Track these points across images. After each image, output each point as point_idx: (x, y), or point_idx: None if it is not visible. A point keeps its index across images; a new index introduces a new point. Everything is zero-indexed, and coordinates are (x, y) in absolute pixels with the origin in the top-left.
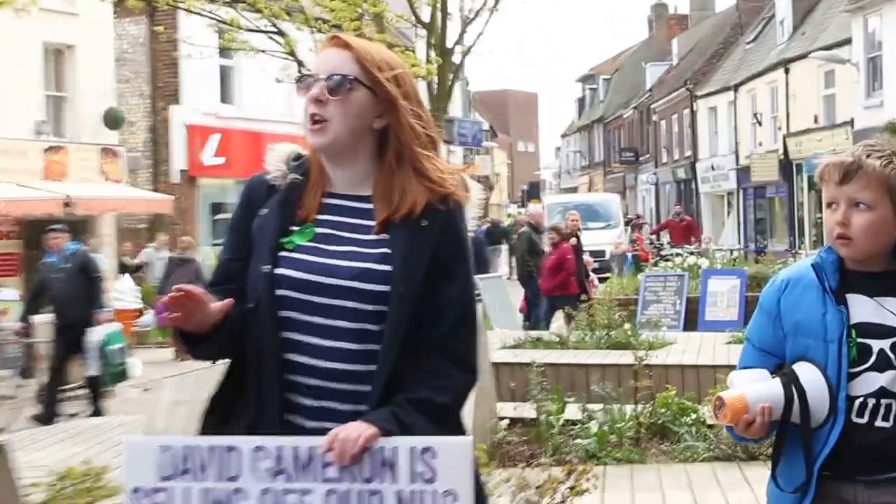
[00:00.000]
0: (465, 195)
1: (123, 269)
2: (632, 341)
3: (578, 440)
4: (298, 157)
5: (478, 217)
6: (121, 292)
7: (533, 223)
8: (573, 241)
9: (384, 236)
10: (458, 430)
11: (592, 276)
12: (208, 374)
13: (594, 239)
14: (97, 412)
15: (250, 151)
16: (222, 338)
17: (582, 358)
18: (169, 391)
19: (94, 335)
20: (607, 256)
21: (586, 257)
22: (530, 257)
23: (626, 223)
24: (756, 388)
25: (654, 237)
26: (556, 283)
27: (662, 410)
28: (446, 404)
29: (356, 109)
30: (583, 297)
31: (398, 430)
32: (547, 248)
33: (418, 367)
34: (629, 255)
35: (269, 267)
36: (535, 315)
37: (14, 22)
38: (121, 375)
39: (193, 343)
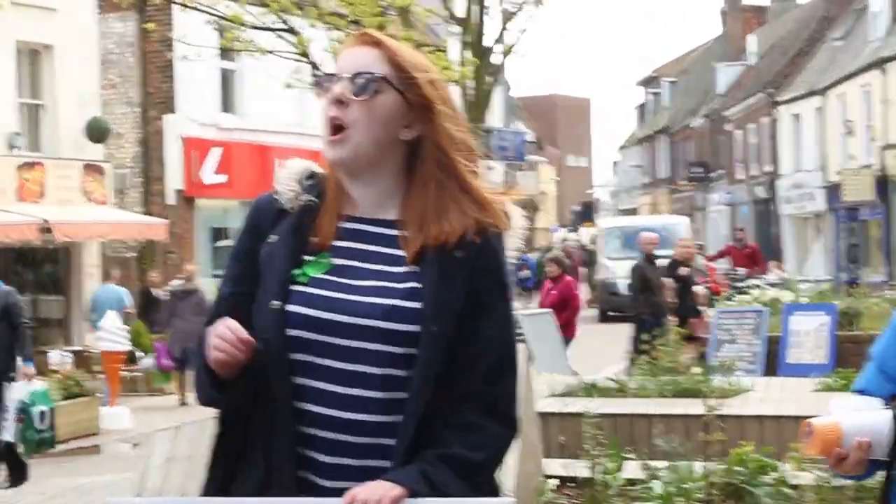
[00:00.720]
0: (506, 221)
1: (150, 301)
2: (702, 388)
3: (640, 503)
4: (312, 175)
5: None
6: (108, 331)
7: (646, 252)
8: (684, 270)
9: (413, 268)
10: (494, 490)
11: (705, 312)
12: (206, 427)
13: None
14: (15, 483)
15: (256, 168)
16: (249, 385)
17: (644, 407)
18: (161, 446)
19: (15, 392)
20: None
21: (701, 289)
22: (643, 296)
23: None
24: (857, 418)
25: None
26: (560, 324)
27: (737, 468)
28: (481, 462)
29: (384, 115)
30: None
31: (426, 490)
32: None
33: (450, 419)
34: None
35: (278, 303)
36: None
37: None
38: (45, 444)
39: (219, 388)
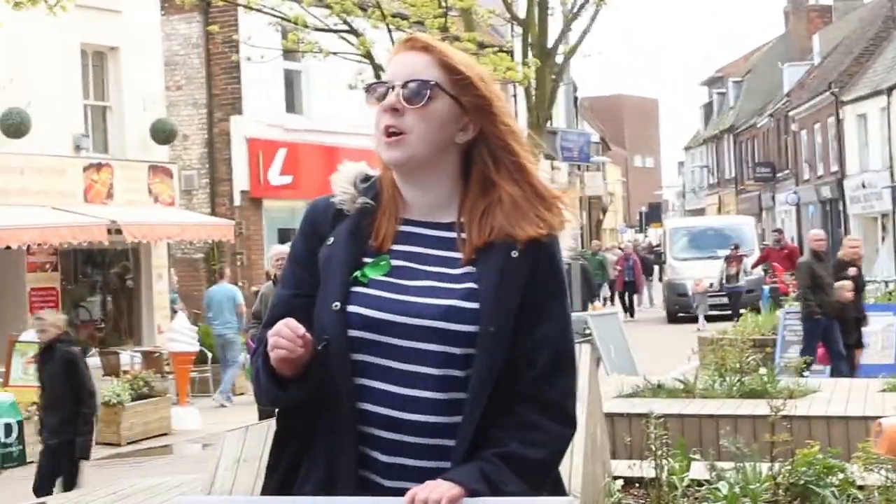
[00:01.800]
0: (564, 221)
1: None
2: (768, 389)
3: (706, 503)
4: (367, 178)
5: (577, 242)
6: (177, 332)
7: (815, 249)
8: (853, 271)
9: (469, 269)
10: (556, 490)
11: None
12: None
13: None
14: None
15: (322, 169)
16: (311, 382)
17: (710, 408)
18: (230, 446)
19: None
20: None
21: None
22: (813, 294)
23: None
24: None
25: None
26: None
27: (804, 469)
28: (540, 460)
29: (439, 120)
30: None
31: (486, 489)
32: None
33: (508, 419)
34: (766, 287)
35: (339, 304)
36: (837, 367)
37: (48, 21)
38: (10, 458)
39: (282, 387)
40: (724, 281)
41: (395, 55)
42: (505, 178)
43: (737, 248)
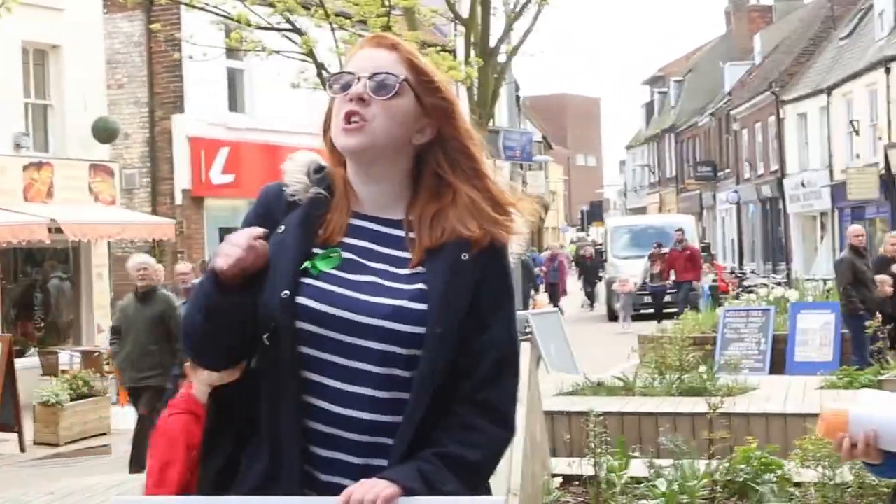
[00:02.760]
0: (518, 227)
1: None
2: (708, 386)
3: (644, 501)
4: (320, 168)
5: (525, 246)
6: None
7: (855, 245)
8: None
9: (419, 269)
10: (488, 492)
11: None
12: None
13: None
14: None
15: (264, 167)
16: (252, 296)
17: (649, 406)
18: None
19: None
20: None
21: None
22: (855, 290)
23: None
24: (870, 409)
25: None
26: None
27: (742, 467)
28: (478, 462)
29: (401, 115)
30: None
31: (423, 488)
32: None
33: (448, 420)
34: (705, 286)
35: (288, 293)
36: (860, 355)
37: None
38: None
39: (220, 290)
40: (647, 280)
41: (360, 50)
42: (461, 181)
43: (660, 246)
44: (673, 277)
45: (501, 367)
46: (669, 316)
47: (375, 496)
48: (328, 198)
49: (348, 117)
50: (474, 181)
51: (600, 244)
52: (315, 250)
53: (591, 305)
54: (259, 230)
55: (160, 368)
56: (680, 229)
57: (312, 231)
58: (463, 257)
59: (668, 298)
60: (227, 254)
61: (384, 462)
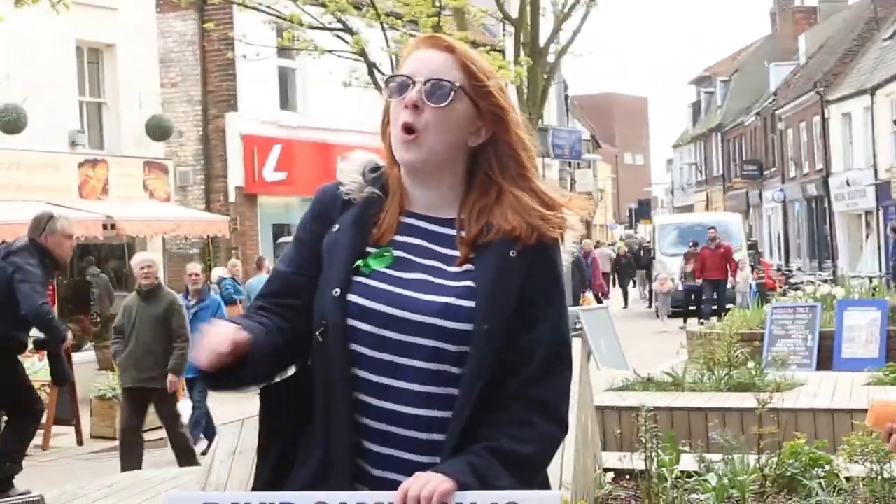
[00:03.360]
0: (567, 225)
1: None
2: (756, 382)
3: (694, 495)
4: (376, 168)
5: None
6: None
7: None
8: None
9: (468, 267)
10: (544, 487)
11: None
12: None
13: None
14: None
15: (316, 165)
16: (245, 371)
17: (699, 401)
18: (226, 439)
19: None
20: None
21: None
22: None
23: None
24: None
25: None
26: None
27: (790, 461)
28: (530, 457)
29: (456, 121)
30: None
31: (476, 483)
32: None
33: (500, 415)
34: (753, 283)
35: (339, 291)
36: None
37: (45, 19)
38: None
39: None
40: (682, 279)
41: (415, 51)
42: (508, 182)
43: (695, 245)
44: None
45: (551, 364)
46: (704, 315)
47: (431, 491)
48: (382, 197)
49: (406, 129)
50: (521, 183)
51: (648, 242)
52: (368, 249)
53: (625, 304)
54: (232, 336)
55: (163, 369)
56: (713, 227)
57: (366, 230)
58: (510, 254)
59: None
60: (208, 353)
61: (437, 459)
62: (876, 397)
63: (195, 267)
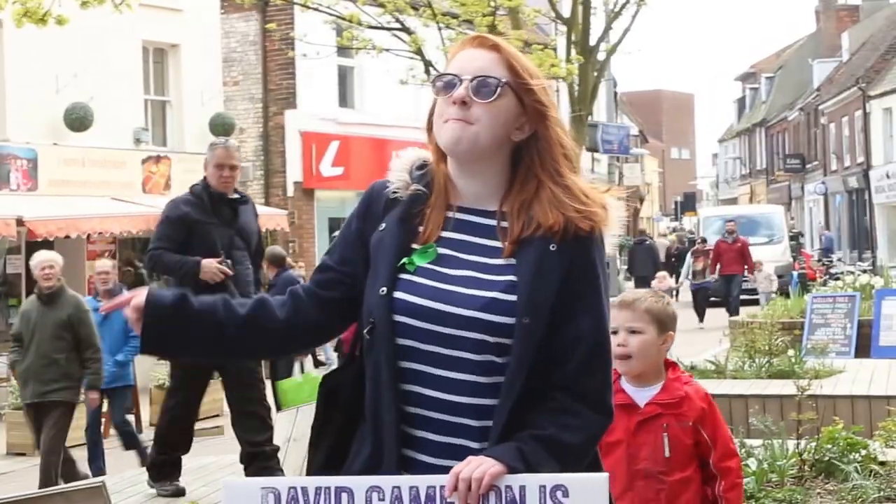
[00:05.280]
0: (605, 218)
1: None
2: (796, 369)
3: None
4: (423, 165)
5: (619, 238)
6: None
7: None
8: None
9: (511, 261)
10: (594, 469)
11: None
12: None
13: (756, 256)
14: None
15: (373, 161)
16: (178, 342)
17: (740, 388)
18: (281, 426)
19: None
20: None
21: None
22: None
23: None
24: None
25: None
26: None
27: (828, 446)
28: (575, 445)
29: (503, 116)
30: None
31: (524, 469)
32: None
33: (546, 404)
34: (794, 273)
35: (386, 289)
36: None
37: (112, 19)
38: None
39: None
40: (689, 277)
41: (462, 50)
42: (547, 177)
43: (704, 241)
44: (719, 271)
45: (594, 355)
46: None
47: (483, 473)
48: (427, 194)
49: (452, 119)
50: (558, 179)
51: (693, 233)
52: (414, 246)
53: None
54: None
55: (67, 380)
56: (731, 220)
57: (412, 227)
58: (551, 248)
59: (712, 297)
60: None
61: (485, 444)
62: None
63: (105, 264)
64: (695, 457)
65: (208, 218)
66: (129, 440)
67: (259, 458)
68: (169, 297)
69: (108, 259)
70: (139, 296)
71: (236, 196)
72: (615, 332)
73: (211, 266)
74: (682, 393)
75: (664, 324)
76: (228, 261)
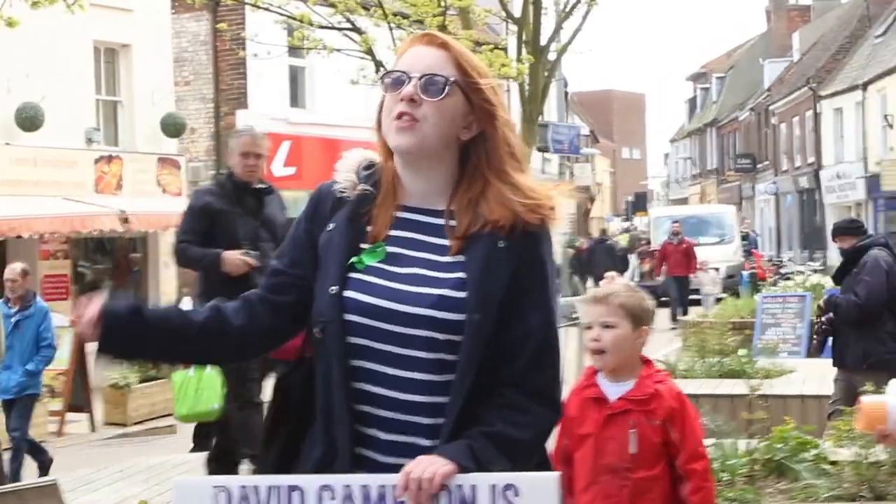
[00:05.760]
0: (553, 214)
1: None
2: (747, 369)
3: None
4: (370, 165)
5: (572, 232)
6: None
7: None
8: None
9: (459, 258)
10: (542, 469)
11: None
12: None
13: (706, 256)
14: None
15: (324, 160)
16: (133, 345)
17: (691, 388)
18: None
19: None
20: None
21: None
22: None
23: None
24: None
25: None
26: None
27: (779, 446)
28: (525, 441)
29: (451, 115)
30: None
31: (474, 466)
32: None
33: (495, 400)
34: (745, 273)
35: (336, 288)
36: None
37: (63, 19)
38: None
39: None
40: (635, 279)
41: (410, 48)
42: (494, 175)
43: (648, 243)
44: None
45: (542, 351)
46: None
47: (434, 472)
48: (375, 193)
49: (400, 117)
50: (504, 177)
51: (645, 233)
52: (363, 245)
53: None
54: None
55: None
56: (676, 221)
57: (361, 227)
58: (499, 244)
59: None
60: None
61: (437, 442)
62: (864, 399)
63: (14, 270)
64: (663, 456)
65: (231, 207)
66: (28, 450)
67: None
68: (123, 308)
69: (19, 264)
70: (93, 308)
71: (262, 186)
72: (589, 328)
73: (234, 258)
74: (651, 390)
75: (639, 318)
76: (255, 252)
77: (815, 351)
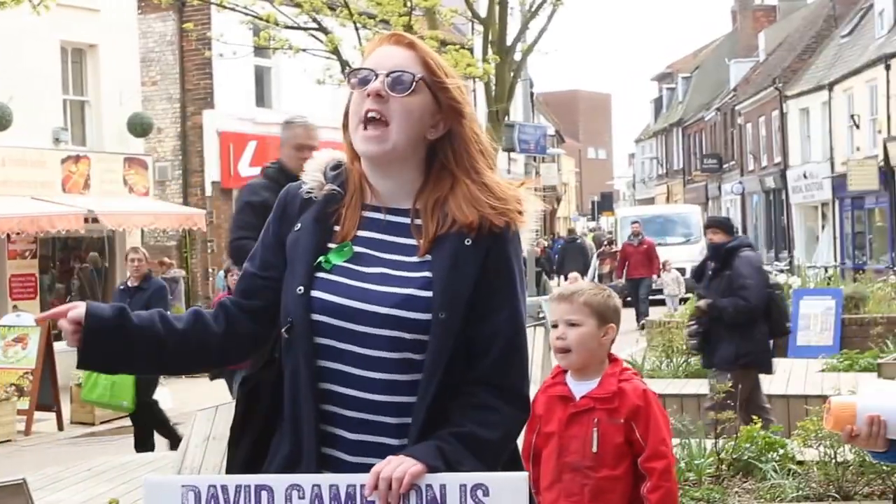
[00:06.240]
0: (521, 213)
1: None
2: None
3: None
4: (338, 165)
5: (537, 231)
6: None
7: None
8: None
9: (427, 258)
10: (513, 466)
11: None
12: None
13: (672, 256)
14: None
15: None
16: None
17: (657, 388)
18: (200, 425)
19: None
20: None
21: None
22: None
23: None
24: (875, 398)
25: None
26: None
27: (746, 445)
28: (494, 441)
29: (418, 112)
30: None
31: (444, 467)
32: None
33: (464, 400)
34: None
35: (303, 289)
36: None
37: (29, 19)
38: None
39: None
40: (595, 280)
41: (377, 47)
42: (462, 174)
43: (610, 244)
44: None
45: (509, 350)
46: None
47: (403, 472)
48: (342, 193)
49: (367, 115)
50: (473, 176)
51: (610, 233)
52: (330, 245)
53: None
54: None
55: None
56: (636, 221)
57: (328, 227)
58: (466, 243)
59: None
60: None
61: (405, 441)
62: (833, 399)
63: None
64: (627, 455)
65: None
66: None
67: None
68: (108, 310)
69: None
70: (78, 308)
71: None
72: (555, 326)
73: None
74: (615, 388)
75: (604, 316)
76: None
77: (697, 351)
